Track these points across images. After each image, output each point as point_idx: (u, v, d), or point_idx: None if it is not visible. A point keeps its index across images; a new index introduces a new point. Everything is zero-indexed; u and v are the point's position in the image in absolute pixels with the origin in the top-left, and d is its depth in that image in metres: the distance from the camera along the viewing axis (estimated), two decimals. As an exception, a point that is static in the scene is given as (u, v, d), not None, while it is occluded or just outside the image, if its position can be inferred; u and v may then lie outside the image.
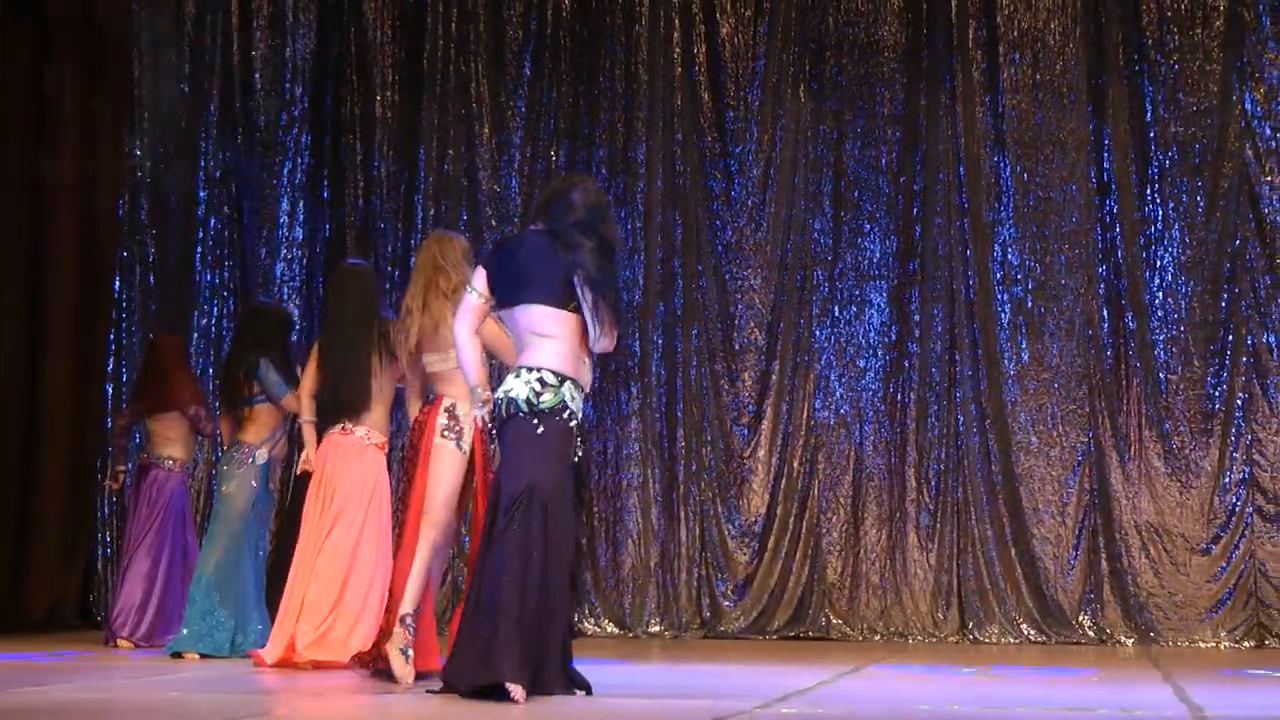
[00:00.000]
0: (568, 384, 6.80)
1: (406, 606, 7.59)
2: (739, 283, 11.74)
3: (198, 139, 12.04)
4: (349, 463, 8.59)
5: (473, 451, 7.72)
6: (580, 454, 6.90)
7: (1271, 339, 11.28)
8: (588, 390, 6.92)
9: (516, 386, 6.76)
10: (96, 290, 11.73)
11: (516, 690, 6.36)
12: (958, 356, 11.56)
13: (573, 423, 6.80)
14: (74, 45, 11.67)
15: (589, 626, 11.26)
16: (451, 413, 7.70)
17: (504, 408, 6.79)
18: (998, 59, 11.61)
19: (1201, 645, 11.01)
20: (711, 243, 11.77)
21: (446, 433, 7.70)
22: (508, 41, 11.97)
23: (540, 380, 6.80)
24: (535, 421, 6.76)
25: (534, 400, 6.75)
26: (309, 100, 12.04)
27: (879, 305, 11.66)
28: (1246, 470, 11.23)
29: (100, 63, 11.75)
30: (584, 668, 6.88)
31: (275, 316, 9.91)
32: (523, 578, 6.57)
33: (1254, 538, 11.17)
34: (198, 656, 9.04)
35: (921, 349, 11.60)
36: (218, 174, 12.01)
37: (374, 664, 7.74)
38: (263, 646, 8.73)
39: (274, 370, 9.44)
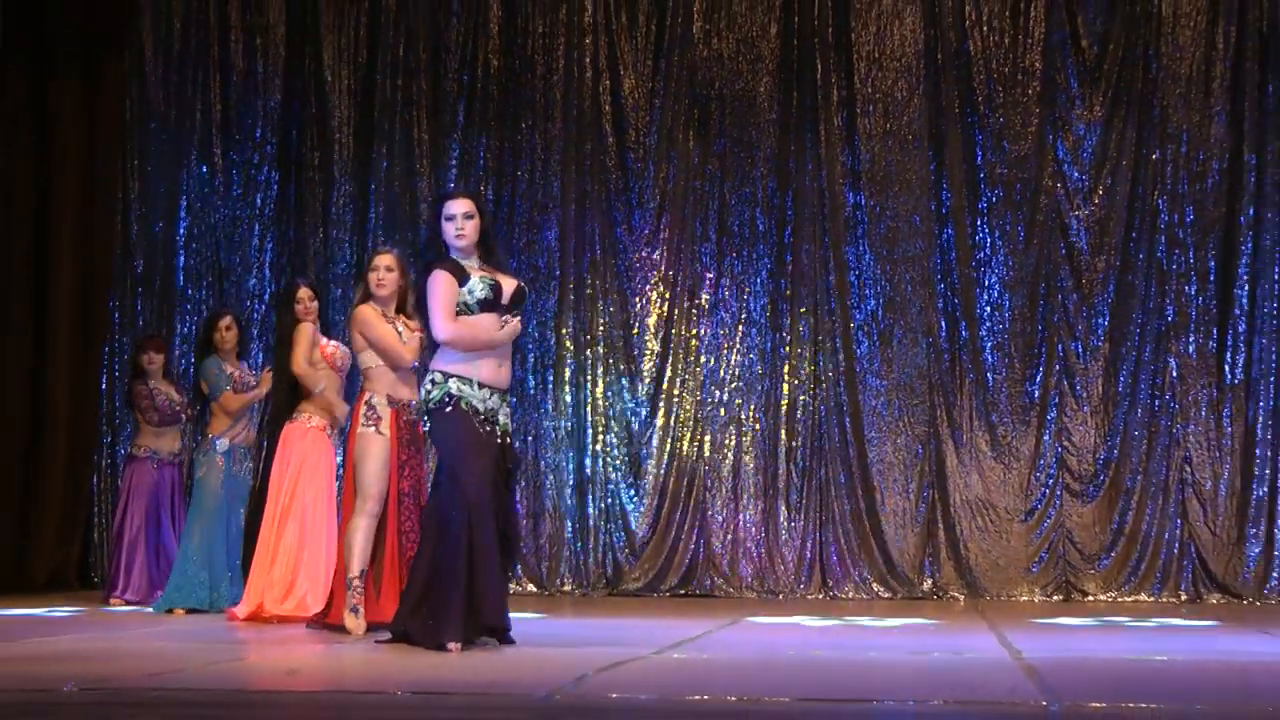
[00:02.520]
0: (453, 380, 6.78)
1: (353, 570, 7.72)
2: (638, 298, 11.78)
3: (181, 175, 11.96)
4: (296, 445, 8.72)
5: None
6: (494, 433, 6.83)
7: (1078, 346, 11.45)
8: (490, 380, 6.84)
9: (422, 390, 6.97)
10: (94, 303, 11.70)
11: (454, 645, 6.49)
12: (821, 359, 11.63)
13: (449, 409, 6.76)
14: (76, 103, 11.67)
15: (512, 587, 11.29)
16: (369, 404, 7.87)
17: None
18: (855, 111, 11.69)
19: (1019, 599, 11.18)
20: (615, 264, 11.80)
21: (366, 422, 7.85)
22: (444, 95, 11.95)
23: (431, 381, 6.86)
24: (425, 418, 6.95)
25: (426, 399, 6.88)
26: (276, 144, 12.00)
27: (756, 317, 11.71)
28: (1058, 454, 11.40)
29: (98, 112, 11.73)
30: (508, 621, 6.95)
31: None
32: (455, 552, 6.64)
33: (1063, 510, 11.36)
34: (183, 612, 9.11)
35: (791, 353, 11.67)
36: (199, 204, 11.96)
37: (327, 621, 7.86)
38: (235, 604, 8.82)
39: (214, 372, 9.55)
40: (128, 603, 9.97)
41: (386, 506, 7.81)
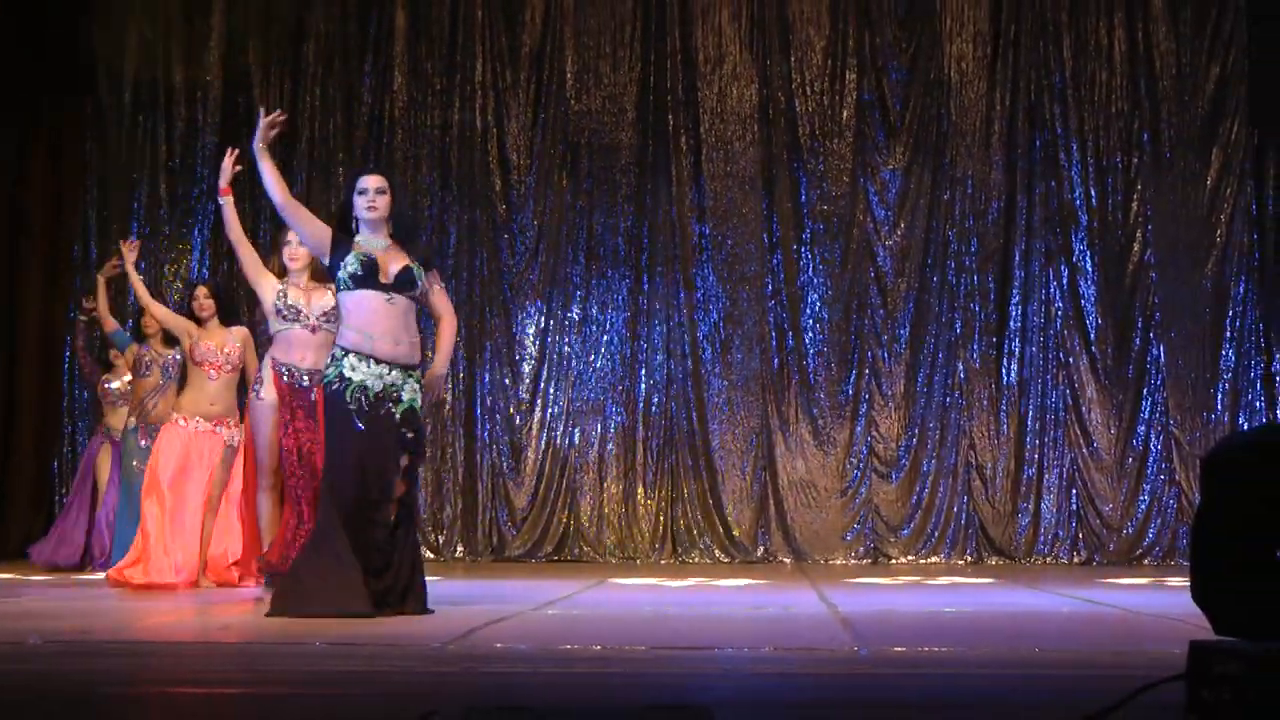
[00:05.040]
0: (349, 357, 6.16)
1: (265, 543, 7.36)
2: (520, 311, 11.74)
3: (133, 205, 11.78)
4: (162, 435, 8.43)
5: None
6: (390, 412, 6.17)
7: (884, 353, 11.58)
8: (387, 355, 6.17)
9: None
10: (57, 312, 11.58)
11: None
12: (672, 363, 11.67)
13: (334, 389, 6.14)
14: (47, 146, 11.67)
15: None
16: (261, 369, 7.53)
17: None
18: (701, 157, 11.74)
19: (836, 563, 11.29)
20: (500, 282, 11.75)
21: (256, 391, 7.50)
22: (356, 139, 11.88)
23: (331, 355, 6.29)
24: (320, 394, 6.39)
25: (324, 373, 6.31)
26: (214, 177, 11.61)
27: (618, 327, 11.73)
28: (868, 442, 11.52)
29: (65, 153, 11.72)
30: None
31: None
32: (320, 528, 6.29)
33: (872, 488, 11.48)
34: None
35: (647, 356, 11.69)
36: (147, 229, 11.79)
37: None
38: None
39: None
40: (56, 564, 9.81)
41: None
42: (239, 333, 8.47)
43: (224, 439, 8.33)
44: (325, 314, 7.29)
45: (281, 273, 7.55)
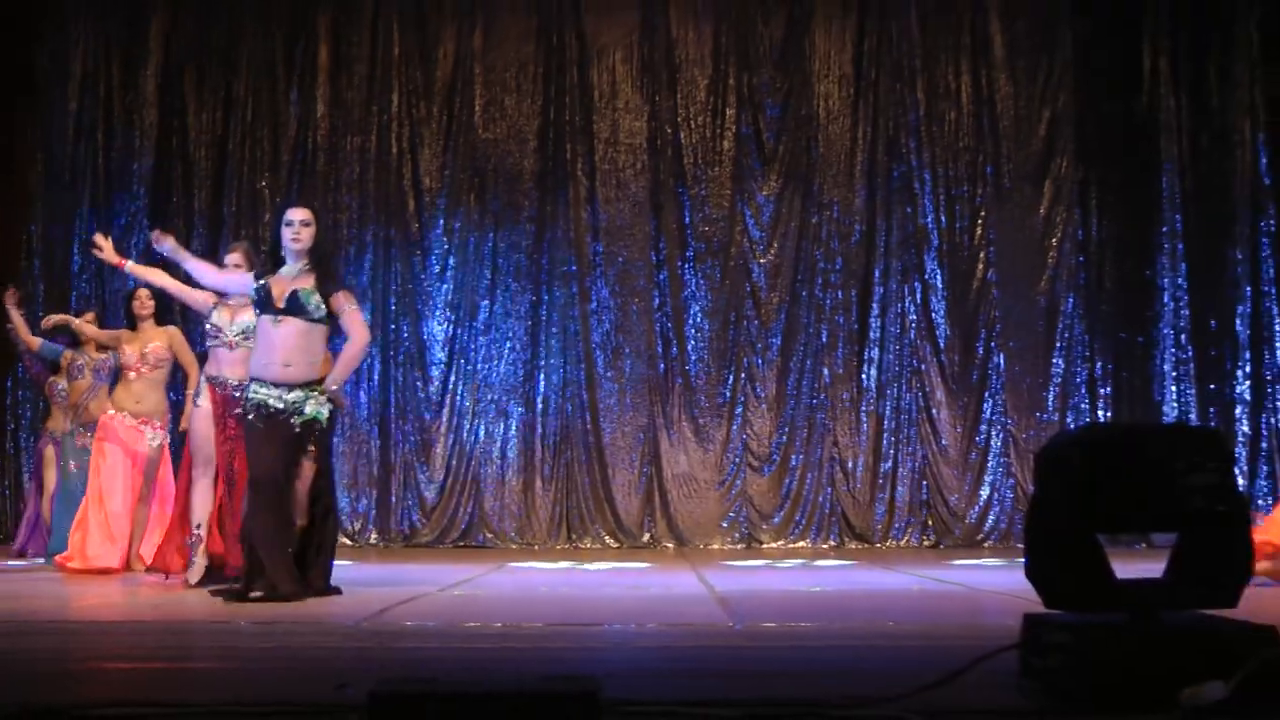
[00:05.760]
0: (253, 384, 6.23)
1: (193, 522, 7.21)
2: (430, 320, 11.65)
3: (73, 221, 11.56)
4: (102, 429, 8.25)
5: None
6: (293, 425, 6.15)
7: (758, 360, 11.62)
8: (279, 379, 6.16)
9: None
10: (3, 319, 11.28)
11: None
12: (568, 368, 11.64)
13: (245, 410, 6.24)
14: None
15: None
16: (201, 381, 7.45)
17: None
18: (595, 182, 11.72)
19: (714, 547, 11.30)
20: (414, 292, 11.67)
21: (196, 398, 7.42)
22: (282, 162, 11.76)
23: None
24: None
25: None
26: (148, 196, 11.62)
27: (519, 335, 11.67)
28: (743, 440, 11.55)
29: (10, 174, 11.49)
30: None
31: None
32: (245, 522, 6.29)
33: (746, 481, 11.50)
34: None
35: (546, 362, 11.64)
36: (88, 243, 11.56)
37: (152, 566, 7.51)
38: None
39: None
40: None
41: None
42: (162, 332, 8.30)
43: (147, 438, 8.16)
44: (243, 332, 7.17)
45: (223, 295, 7.47)
